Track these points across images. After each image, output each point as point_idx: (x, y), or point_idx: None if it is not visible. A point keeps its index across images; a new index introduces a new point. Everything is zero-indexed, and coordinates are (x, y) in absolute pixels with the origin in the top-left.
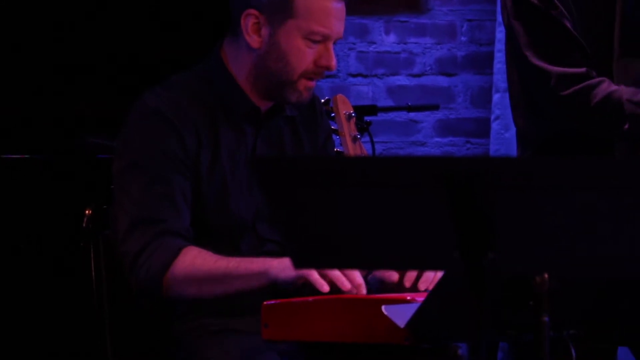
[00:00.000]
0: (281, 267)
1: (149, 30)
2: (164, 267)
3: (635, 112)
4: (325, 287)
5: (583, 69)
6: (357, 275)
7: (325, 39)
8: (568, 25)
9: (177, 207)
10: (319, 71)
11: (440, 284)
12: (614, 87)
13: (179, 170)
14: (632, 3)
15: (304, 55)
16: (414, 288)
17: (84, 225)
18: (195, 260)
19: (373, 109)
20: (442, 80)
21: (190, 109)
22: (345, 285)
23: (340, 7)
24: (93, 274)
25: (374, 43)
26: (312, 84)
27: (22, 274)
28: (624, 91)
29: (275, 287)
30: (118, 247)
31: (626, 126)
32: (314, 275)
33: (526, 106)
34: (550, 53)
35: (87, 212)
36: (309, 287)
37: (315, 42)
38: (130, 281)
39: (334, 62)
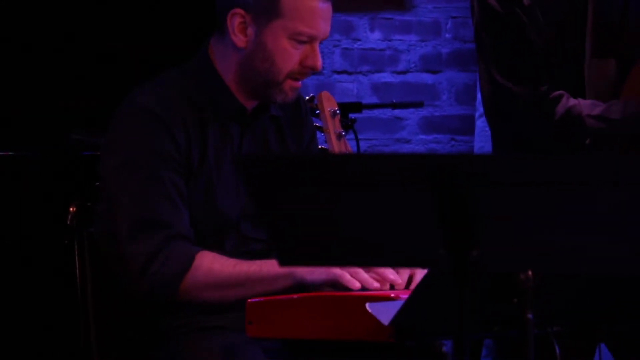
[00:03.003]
0: (308, 269)
1: (135, 26)
2: (181, 273)
3: (595, 127)
4: (357, 285)
5: (544, 87)
6: (389, 272)
7: (311, 39)
8: (534, 38)
9: (177, 207)
10: (305, 71)
11: (424, 281)
12: (572, 102)
13: (173, 168)
14: (604, 4)
15: (289, 56)
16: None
17: (68, 222)
18: (213, 265)
19: (358, 106)
20: (426, 78)
21: (180, 106)
22: (374, 285)
23: (327, 8)
24: (78, 271)
25: (359, 40)
26: (298, 84)
27: (5, 271)
28: (583, 106)
29: (302, 287)
30: (120, 249)
31: (587, 141)
32: (346, 276)
33: (496, 105)
34: (513, 71)
35: (71, 209)
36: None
37: (301, 42)
38: (141, 286)
39: (319, 63)
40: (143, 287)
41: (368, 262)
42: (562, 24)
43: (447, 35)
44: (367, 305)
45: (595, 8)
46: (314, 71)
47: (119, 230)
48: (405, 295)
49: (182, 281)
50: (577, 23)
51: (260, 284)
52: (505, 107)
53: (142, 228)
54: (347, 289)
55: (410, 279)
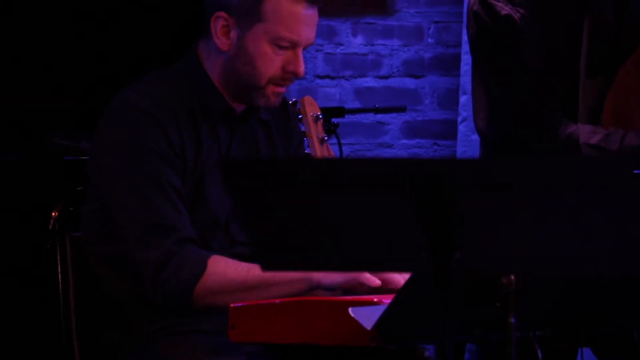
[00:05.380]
0: (324, 273)
1: (118, 26)
2: (194, 279)
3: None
4: (377, 282)
5: (544, 109)
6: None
7: (293, 45)
8: (528, 59)
9: (179, 210)
10: (287, 77)
11: (407, 285)
12: (570, 129)
13: (171, 168)
14: (599, 26)
15: (270, 61)
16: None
17: (50, 227)
18: (226, 271)
19: (340, 111)
20: (409, 82)
21: (172, 105)
22: (398, 280)
23: (311, 14)
24: (60, 275)
25: (341, 45)
26: (281, 89)
27: None
28: (581, 132)
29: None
30: (129, 255)
31: None
32: (365, 274)
33: (486, 109)
34: (510, 92)
35: (53, 213)
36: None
37: (282, 47)
38: (155, 291)
39: (301, 69)
40: (157, 293)
41: (351, 266)
42: (557, 44)
43: (429, 40)
44: (349, 309)
45: (591, 29)
46: (296, 77)
47: (126, 235)
48: (387, 300)
49: (196, 287)
50: (571, 44)
51: (275, 288)
52: (502, 124)
53: (150, 233)
54: (370, 287)
55: None
